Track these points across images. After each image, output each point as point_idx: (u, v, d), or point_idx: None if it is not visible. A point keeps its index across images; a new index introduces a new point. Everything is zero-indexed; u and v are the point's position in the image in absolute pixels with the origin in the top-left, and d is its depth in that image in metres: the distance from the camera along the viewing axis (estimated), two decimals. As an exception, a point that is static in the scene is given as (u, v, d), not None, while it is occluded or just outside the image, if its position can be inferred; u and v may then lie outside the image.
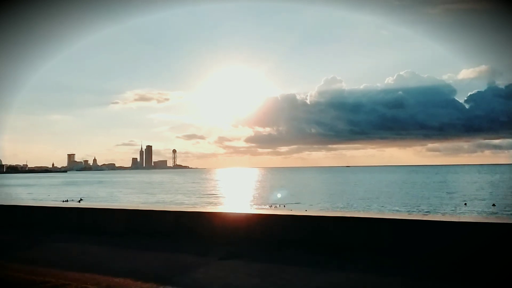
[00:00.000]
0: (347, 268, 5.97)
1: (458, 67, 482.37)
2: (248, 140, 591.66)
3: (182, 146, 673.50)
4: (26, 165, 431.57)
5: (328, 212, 19.25)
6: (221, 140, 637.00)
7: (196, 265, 6.29)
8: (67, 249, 7.87)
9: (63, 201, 58.29)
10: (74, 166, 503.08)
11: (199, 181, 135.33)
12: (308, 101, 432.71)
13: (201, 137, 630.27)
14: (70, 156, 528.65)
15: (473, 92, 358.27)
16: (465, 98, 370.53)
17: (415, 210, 41.27)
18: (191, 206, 48.74)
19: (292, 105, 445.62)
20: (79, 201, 60.10)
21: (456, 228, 6.48)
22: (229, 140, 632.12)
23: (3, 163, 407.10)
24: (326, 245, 6.99)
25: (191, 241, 7.91)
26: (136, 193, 79.34)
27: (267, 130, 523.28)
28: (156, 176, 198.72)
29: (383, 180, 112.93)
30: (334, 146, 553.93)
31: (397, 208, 42.68)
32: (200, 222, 8.44)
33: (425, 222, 6.86)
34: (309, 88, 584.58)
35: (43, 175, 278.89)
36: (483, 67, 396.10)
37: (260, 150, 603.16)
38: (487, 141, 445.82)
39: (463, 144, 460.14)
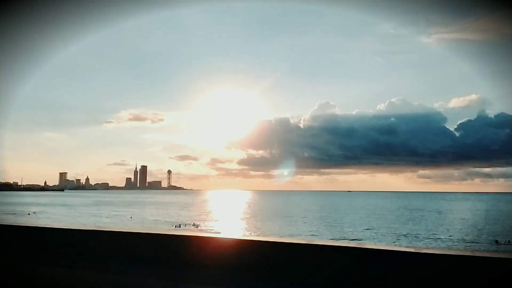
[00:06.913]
0: None
1: (449, 95, 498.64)
2: (241, 162, 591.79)
3: (174, 167, 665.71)
4: (17, 182, 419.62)
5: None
6: (213, 161, 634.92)
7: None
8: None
9: (175, 227, 58.45)
10: (66, 184, 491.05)
11: (227, 202, 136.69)
12: (301, 125, 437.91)
13: (194, 159, 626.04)
14: (62, 175, 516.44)
15: (463, 121, 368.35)
16: (456, 126, 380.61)
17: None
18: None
19: (285, 128, 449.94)
20: (196, 226, 59.90)
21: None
22: (222, 162, 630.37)
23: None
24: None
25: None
26: (220, 217, 79.41)
27: (260, 152, 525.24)
28: (174, 197, 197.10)
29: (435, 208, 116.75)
30: (327, 170, 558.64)
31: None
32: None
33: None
34: (302, 112, 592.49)
35: (43, 193, 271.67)
36: (473, 96, 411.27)
37: (252, 172, 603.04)
38: (477, 169, 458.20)
39: (454, 171, 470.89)
